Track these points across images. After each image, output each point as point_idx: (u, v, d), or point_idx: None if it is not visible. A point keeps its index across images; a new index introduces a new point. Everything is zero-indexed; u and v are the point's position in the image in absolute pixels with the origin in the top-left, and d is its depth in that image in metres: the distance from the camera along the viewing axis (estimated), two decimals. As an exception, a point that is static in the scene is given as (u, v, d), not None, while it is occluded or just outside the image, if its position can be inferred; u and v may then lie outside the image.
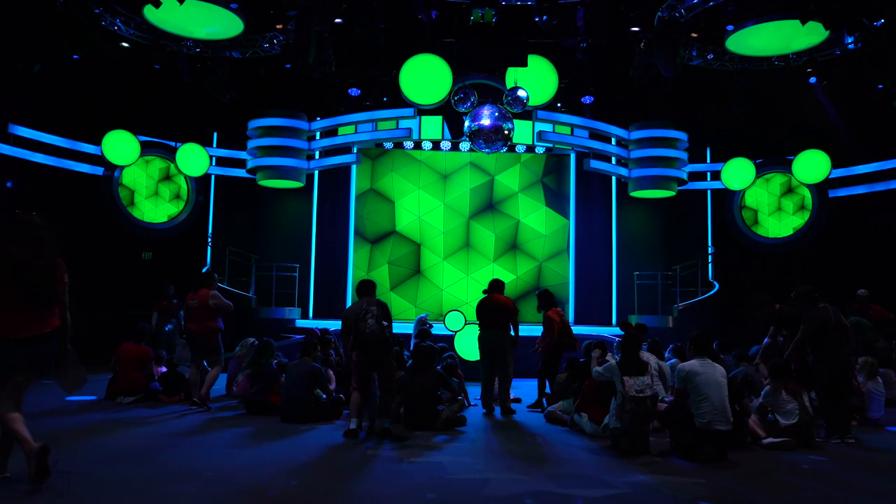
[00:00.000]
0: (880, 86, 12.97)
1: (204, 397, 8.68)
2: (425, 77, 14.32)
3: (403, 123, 15.70)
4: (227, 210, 16.86)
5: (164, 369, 9.91)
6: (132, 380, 9.23)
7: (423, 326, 11.51)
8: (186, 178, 16.17)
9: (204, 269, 15.90)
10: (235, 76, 14.87)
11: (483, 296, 9.43)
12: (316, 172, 16.91)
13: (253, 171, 16.06)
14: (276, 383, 8.61)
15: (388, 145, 17.10)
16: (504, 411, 8.95)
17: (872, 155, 15.36)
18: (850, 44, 13.09)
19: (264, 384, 8.63)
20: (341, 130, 16.22)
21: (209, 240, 16.58)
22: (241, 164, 16.46)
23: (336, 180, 17.32)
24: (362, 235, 17.43)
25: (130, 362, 9.29)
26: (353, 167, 17.31)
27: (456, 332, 12.48)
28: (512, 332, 9.15)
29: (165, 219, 16.09)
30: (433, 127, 16.03)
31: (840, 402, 7.51)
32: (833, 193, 15.90)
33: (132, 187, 15.88)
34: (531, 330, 11.52)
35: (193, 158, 15.79)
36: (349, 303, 17.04)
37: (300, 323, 15.32)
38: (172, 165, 16.04)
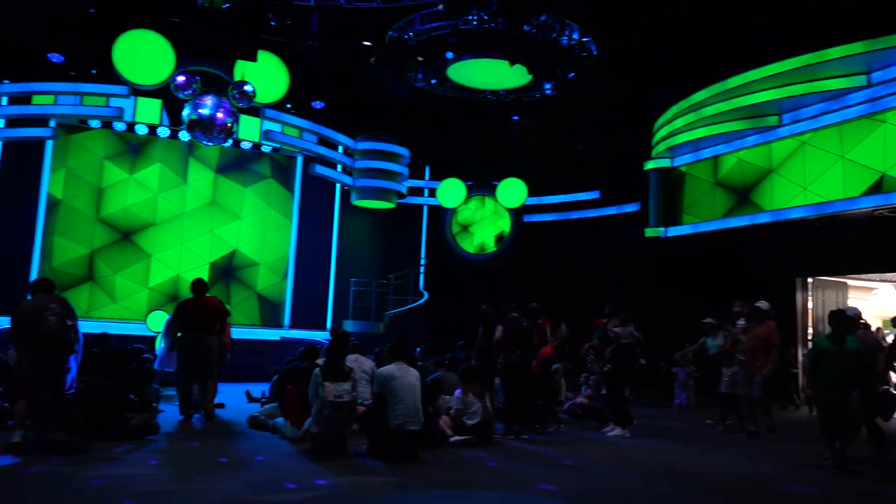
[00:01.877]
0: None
1: None
2: (144, 55, 13.16)
3: (115, 102, 14.25)
4: None
5: None
6: None
7: None
8: None
9: None
10: None
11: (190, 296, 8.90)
12: (-1, 143, 14.51)
13: None
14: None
15: (96, 124, 15.34)
16: (207, 416, 8.57)
17: (560, 188, 17.69)
18: (547, 90, 14.99)
19: None
20: (36, 100, 14.17)
21: None
22: None
23: (25, 156, 15.02)
24: (54, 221, 15.33)
25: None
26: (49, 143, 15.18)
27: (159, 333, 11.61)
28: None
29: None
30: (150, 110, 14.76)
31: (521, 400, 8.53)
32: (528, 218, 18.00)
33: None
34: (245, 333, 11.18)
35: None
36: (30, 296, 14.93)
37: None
38: None
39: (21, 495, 5.02)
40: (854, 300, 14.66)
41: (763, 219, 12.14)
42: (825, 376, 6.84)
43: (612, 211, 16.33)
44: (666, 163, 14.30)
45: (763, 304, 8.93)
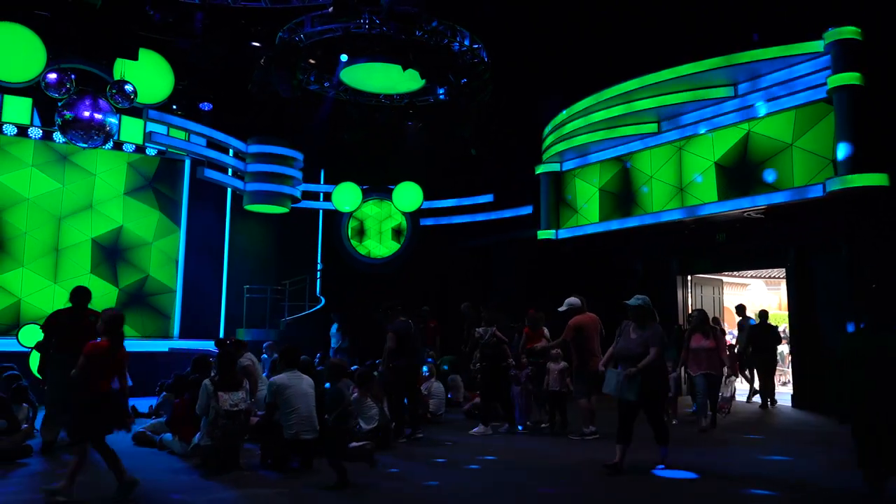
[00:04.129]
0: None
1: None
2: (10, 50, 12.20)
3: (-23, 100, 13.20)
4: None
5: None
6: None
7: None
8: None
9: None
10: None
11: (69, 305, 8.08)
12: None
13: None
14: None
15: (-46, 123, 14.14)
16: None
17: (455, 192, 17.94)
18: (441, 94, 15.17)
19: None
20: None
21: None
22: None
23: None
24: None
25: None
26: None
27: (33, 348, 10.81)
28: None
29: None
30: (20, 109, 13.80)
31: (404, 403, 8.63)
32: (424, 222, 18.13)
33: None
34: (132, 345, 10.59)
35: None
36: None
37: None
38: None
39: None
40: (730, 295, 15.76)
41: (645, 220, 12.80)
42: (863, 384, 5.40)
43: (506, 214, 16.72)
44: (555, 167, 14.80)
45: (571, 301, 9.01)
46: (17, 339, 12.05)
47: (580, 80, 13.35)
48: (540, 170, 14.98)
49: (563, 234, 14.51)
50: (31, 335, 10.84)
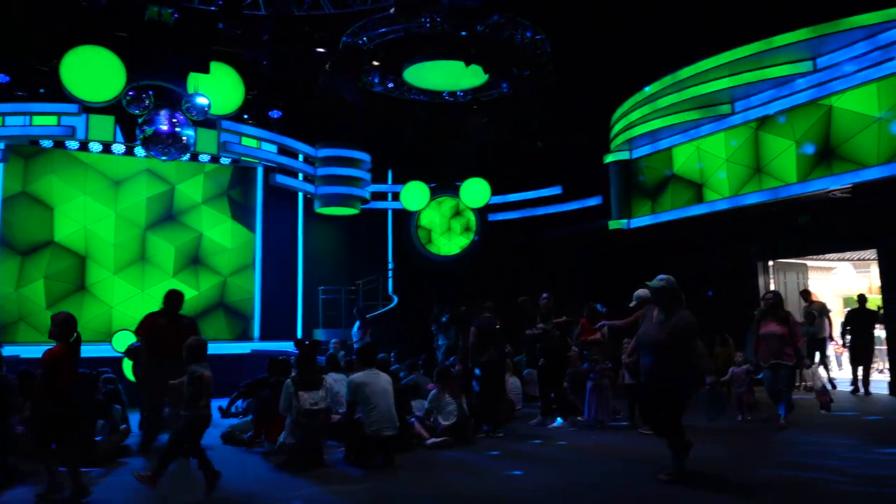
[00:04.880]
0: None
1: None
2: (93, 71, 12.86)
3: (66, 120, 13.92)
4: None
5: None
6: None
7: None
8: None
9: None
10: None
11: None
12: (-55, 168, 14.12)
13: None
14: None
15: (47, 144, 15.00)
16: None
17: (522, 185, 17.81)
18: (505, 88, 15.08)
19: None
20: (-17, 122, 13.79)
21: None
22: None
23: (-25, 180, 14.64)
24: (10, 245, 14.95)
25: None
26: (0, 166, 14.82)
27: (124, 354, 11.35)
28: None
29: None
30: (103, 127, 14.46)
31: (494, 400, 8.60)
32: (492, 217, 18.08)
33: None
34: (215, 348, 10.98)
35: None
36: (-11, 324, 14.57)
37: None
38: None
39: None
40: (815, 280, 15.06)
41: (721, 206, 12.38)
42: None
43: (574, 206, 16.49)
44: (625, 155, 14.50)
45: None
46: (111, 344, 12.69)
47: (647, 66, 13.01)
48: (609, 158, 14.71)
49: (636, 223, 14.20)
50: (123, 341, 11.38)
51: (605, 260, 15.37)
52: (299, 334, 16.39)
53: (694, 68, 11.79)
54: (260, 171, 17.02)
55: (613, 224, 14.42)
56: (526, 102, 14.66)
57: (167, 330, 7.62)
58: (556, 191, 17.07)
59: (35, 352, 10.16)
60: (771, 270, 13.55)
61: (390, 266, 18.00)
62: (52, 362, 5.43)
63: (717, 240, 13.73)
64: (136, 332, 8.32)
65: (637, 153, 14.33)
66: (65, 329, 5.59)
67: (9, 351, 8.62)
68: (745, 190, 11.98)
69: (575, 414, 9.20)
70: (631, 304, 8.32)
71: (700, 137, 12.92)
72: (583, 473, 6.41)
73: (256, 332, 16.62)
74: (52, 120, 13.94)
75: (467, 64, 12.43)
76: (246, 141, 15.49)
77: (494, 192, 17.62)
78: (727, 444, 7.41)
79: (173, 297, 8.02)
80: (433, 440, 7.76)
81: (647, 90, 12.89)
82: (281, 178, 16.01)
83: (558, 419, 9.01)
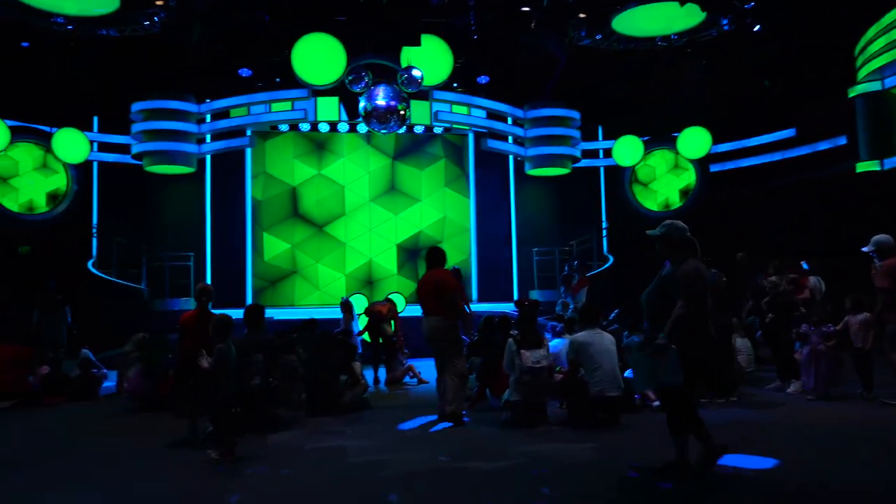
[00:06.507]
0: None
1: None
2: (318, 57, 14.00)
3: (298, 105, 15.30)
4: (113, 198, 15.92)
5: (46, 369, 9.31)
6: (5, 381, 8.62)
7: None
8: (65, 165, 15.13)
9: (90, 262, 15.04)
10: (114, 56, 13.99)
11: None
12: (208, 157, 16.28)
13: (139, 156, 15.23)
14: (169, 377, 8.26)
15: (284, 127, 16.66)
16: (450, 416, 7.01)
17: (746, 132, 16.30)
18: (724, 25, 13.79)
19: (155, 380, 8.28)
20: (233, 112, 15.63)
21: (94, 231, 15.65)
22: (126, 149, 15.56)
23: (230, 164, 16.73)
24: (259, 220, 16.97)
25: (2, 363, 8.67)
26: (248, 150, 16.78)
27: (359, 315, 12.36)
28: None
29: (45, 209, 15.02)
30: (329, 108, 15.69)
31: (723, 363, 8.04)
32: (714, 168, 16.81)
33: (3, 175, 14.74)
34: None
35: (71, 144, 14.79)
36: (249, 290, 16.63)
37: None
38: (49, 153, 14.96)
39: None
40: None
41: None
42: None
43: (808, 149, 14.77)
44: (875, 86, 12.60)
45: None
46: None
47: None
48: (854, 92, 12.90)
49: (891, 163, 12.35)
50: (357, 305, 12.39)
51: (846, 209, 13.59)
52: (516, 295, 16.68)
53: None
54: (471, 137, 17.43)
55: (862, 166, 12.68)
56: (750, 39, 13.27)
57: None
58: (787, 134, 15.43)
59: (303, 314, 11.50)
60: None
61: (604, 225, 17.55)
62: None
63: None
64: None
65: (891, 81, 12.38)
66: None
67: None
68: None
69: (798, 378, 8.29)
70: (865, 248, 7.09)
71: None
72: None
73: (475, 293, 17.21)
74: (287, 105, 15.40)
75: (682, 3, 11.54)
76: (456, 108, 15.89)
77: (715, 141, 16.35)
78: None
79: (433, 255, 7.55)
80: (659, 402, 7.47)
81: (881, 22, 11.05)
82: (492, 143, 16.25)
83: (791, 383, 8.20)
